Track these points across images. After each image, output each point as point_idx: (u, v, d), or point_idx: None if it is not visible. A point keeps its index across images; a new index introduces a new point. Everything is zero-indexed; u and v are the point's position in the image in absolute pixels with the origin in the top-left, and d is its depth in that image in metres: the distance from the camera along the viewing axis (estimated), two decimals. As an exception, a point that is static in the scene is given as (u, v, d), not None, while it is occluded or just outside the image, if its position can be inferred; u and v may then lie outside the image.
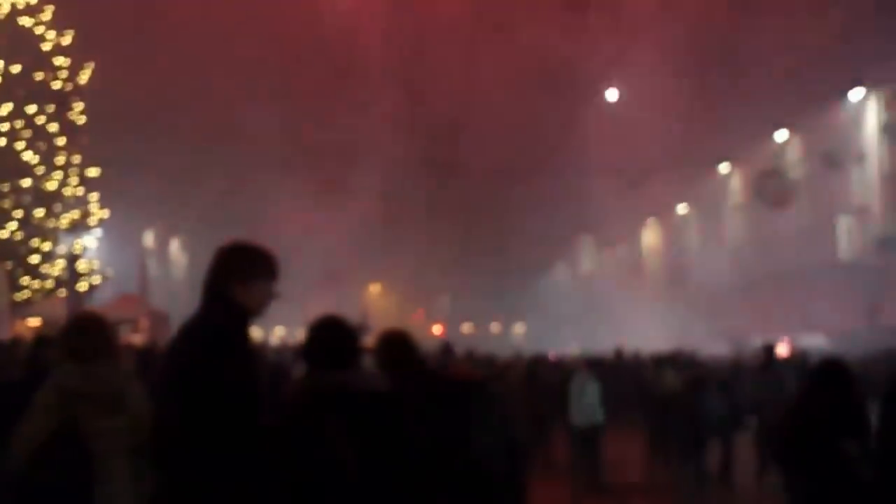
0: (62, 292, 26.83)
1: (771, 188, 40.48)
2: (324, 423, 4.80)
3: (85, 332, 6.16)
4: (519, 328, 67.45)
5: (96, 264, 29.89)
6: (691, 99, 39.64)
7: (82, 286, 27.11)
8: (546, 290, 66.02)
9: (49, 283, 28.02)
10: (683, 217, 58.46)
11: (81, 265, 27.55)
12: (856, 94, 43.49)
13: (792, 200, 41.02)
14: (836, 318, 39.79)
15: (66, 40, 29.83)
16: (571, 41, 40.01)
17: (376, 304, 56.30)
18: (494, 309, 63.43)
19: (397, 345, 5.64)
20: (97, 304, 25.75)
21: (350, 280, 52.76)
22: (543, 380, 15.51)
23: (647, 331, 46.88)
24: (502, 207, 50.48)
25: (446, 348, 13.33)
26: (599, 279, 63.75)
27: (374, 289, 61.87)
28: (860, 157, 44.29)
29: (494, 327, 66.86)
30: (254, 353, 4.97)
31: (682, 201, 56.95)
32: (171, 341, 4.98)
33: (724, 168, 53.03)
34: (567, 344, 48.78)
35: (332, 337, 5.11)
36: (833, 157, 42.62)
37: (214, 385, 4.64)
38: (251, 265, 5.02)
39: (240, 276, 4.95)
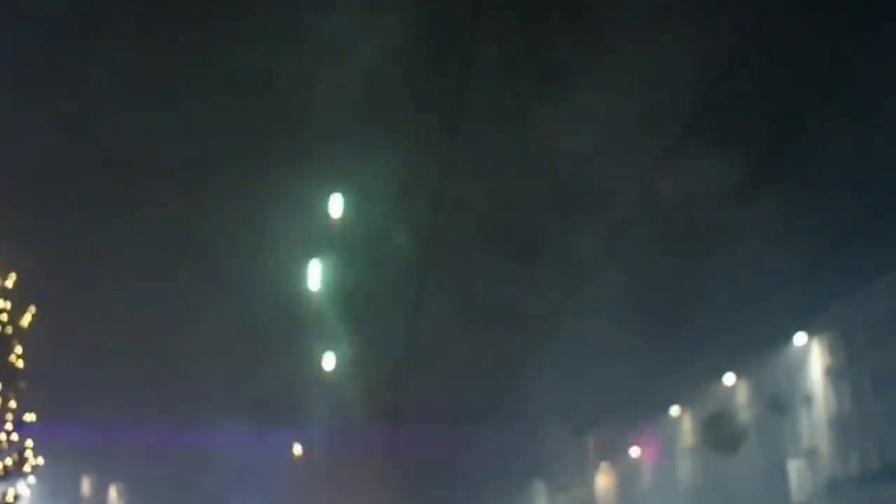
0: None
1: (720, 433, 40.69)
2: None
3: None
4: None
5: (28, 514, 29.16)
6: (641, 344, 40.23)
7: (12, 539, 26.39)
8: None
9: (-24, 536, 27.24)
10: (637, 460, 58.31)
11: (12, 515, 26.89)
12: (799, 338, 44.44)
13: (741, 444, 41.16)
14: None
15: (9, 283, 29.91)
16: (519, 285, 40.79)
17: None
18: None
19: None
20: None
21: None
22: None
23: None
24: (452, 454, 50.15)
25: None
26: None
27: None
28: (807, 401, 44.92)
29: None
30: None
31: (633, 444, 56.95)
32: None
33: (674, 411, 53.38)
34: None
35: None
36: (779, 402, 43.16)
37: None
38: None
39: None
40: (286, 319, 41.33)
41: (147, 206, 36.12)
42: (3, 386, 28.96)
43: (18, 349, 30.00)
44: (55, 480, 35.21)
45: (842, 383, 43.53)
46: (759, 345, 43.26)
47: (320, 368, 42.58)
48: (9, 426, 28.98)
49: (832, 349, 44.12)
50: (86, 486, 46.64)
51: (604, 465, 61.15)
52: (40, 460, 29.60)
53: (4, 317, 29.68)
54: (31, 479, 30.00)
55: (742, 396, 47.98)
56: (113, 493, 50.18)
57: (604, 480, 62.56)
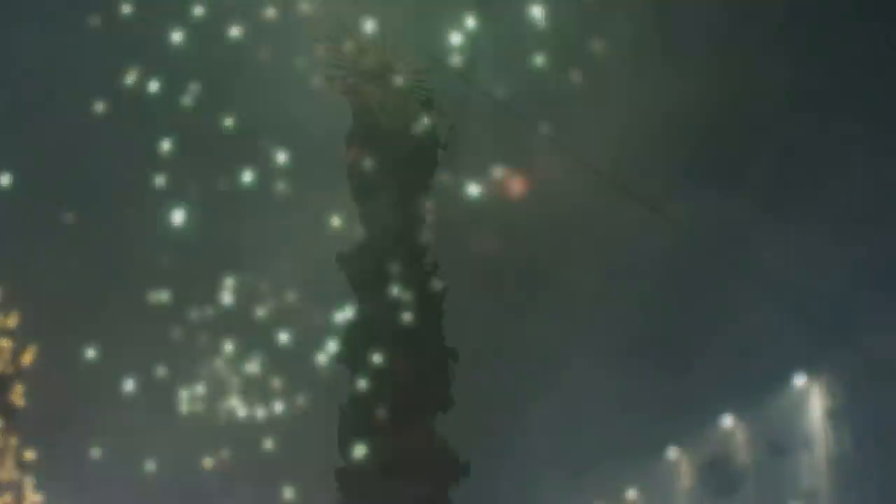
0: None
1: (718, 475, 42.37)
2: None
3: None
4: None
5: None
6: (636, 384, 41.93)
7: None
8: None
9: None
10: (633, 503, 59.64)
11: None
12: (799, 379, 46.05)
13: (739, 487, 42.86)
14: None
15: (12, 322, 31.79)
16: (514, 325, 42.39)
17: None
18: None
19: None
20: None
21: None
22: None
23: None
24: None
25: None
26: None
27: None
28: (806, 442, 46.49)
29: None
30: None
31: (631, 487, 58.28)
32: None
33: (672, 453, 54.75)
34: None
35: None
36: (778, 444, 44.78)
37: None
38: None
39: None
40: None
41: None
42: (3, 424, 30.82)
43: (20, 388, 31.89)
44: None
45: (842, 424, 45.15)
46: (757, 386, 44.80)
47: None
48: (9, 464, 30.84)
49: (832, 390, 45.75)
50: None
51: (600, 506, 62.45)
52: (39, 498, 31.43)
53: (7, 355, 31.59)
54: (32, 518, 31.77)
55: (740, 437, 49.57)
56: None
57: (599, 522, 63.82)
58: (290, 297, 28.55)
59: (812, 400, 46.56)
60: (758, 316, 39.72)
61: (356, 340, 25.41)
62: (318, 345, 26.35)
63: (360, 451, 24.52)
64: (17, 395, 31.35)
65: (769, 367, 42.58)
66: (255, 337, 29.63)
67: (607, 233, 38.42)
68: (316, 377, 27.00)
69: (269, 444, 28.83)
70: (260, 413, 28.63)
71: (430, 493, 24.73)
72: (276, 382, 28.72)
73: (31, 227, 33.04)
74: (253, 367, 28.96)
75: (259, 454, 28.49)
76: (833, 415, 45.40)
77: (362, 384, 24.90)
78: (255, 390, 28.85)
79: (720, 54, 35.55)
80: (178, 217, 27.70)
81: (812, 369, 45.05)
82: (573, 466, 45.36)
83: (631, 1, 35.13)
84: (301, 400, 28.61)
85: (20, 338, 31.74)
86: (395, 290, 25.11)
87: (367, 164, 25.67)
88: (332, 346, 25.89)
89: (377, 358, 24.57)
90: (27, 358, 31.71)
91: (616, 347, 41.51)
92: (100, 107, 29.16)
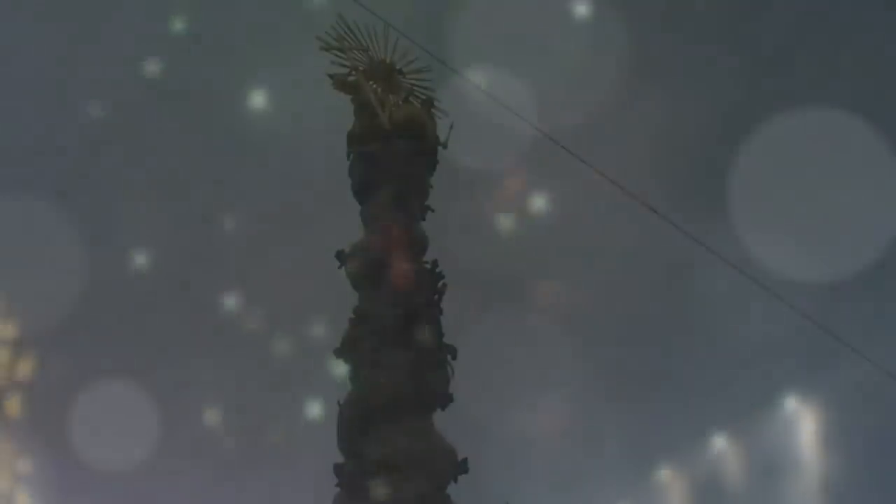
0: None
1: (707, 495, 42.66)
2: None
3: None
4: None
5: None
6: (628, 403, 42.28)
7: None
8: None
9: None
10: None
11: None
12: (790, 401, 46.44)
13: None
14: None
15: (9, 332, 31.95)
16: (503, 335, 42.74)
17: None
18: None
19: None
20: None
21: None
22: None
23: None
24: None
25: None
26: None
27: None
28: (798, 464, 46.82)
29: None
30: None
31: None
32: None
33: (663, 473, 54.97)
34: None
35: None
36: (769, 465, 45.18)
37: None
38: None
39: None
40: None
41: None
42: (-1, 436, 30.96)
43: (16, 398, 32.02)
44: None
45: (834, 446, 45.49)
46: (749, 407, 45.20)
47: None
48: (4, 476, 30.95)
49: (825, 411, 46.11)
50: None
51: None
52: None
53: (3, 366, 31.75)
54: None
55: (730, 459, 49.85)
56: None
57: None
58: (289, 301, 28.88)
59: (803, 421, 46.92)
60: (751, 336, 40.17)
61: (356, 337, 25.74)
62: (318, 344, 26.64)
63: (358, 447, 24.77)
64: (13, 406, 31.42)
65: (761, 388, 42.95)
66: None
67: (602, 247, 38.87)
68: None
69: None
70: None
71: (428, 490, 24.89)
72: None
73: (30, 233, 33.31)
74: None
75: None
76: (824, 437, 45.73)
77: (361, 381, 25.19)
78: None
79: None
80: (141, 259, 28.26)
81: (804, 391, 45.46)
82: (564, 483, 45.61)
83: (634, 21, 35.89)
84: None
85: (19, 348, 31.84)
86: (394, 288, 25.46)
87: (368, 162, 26.16)
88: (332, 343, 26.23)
89: (376, 355, 24.90)
90: (24, 368, 31.81)
91: (608, 364, 41.86)
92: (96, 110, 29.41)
